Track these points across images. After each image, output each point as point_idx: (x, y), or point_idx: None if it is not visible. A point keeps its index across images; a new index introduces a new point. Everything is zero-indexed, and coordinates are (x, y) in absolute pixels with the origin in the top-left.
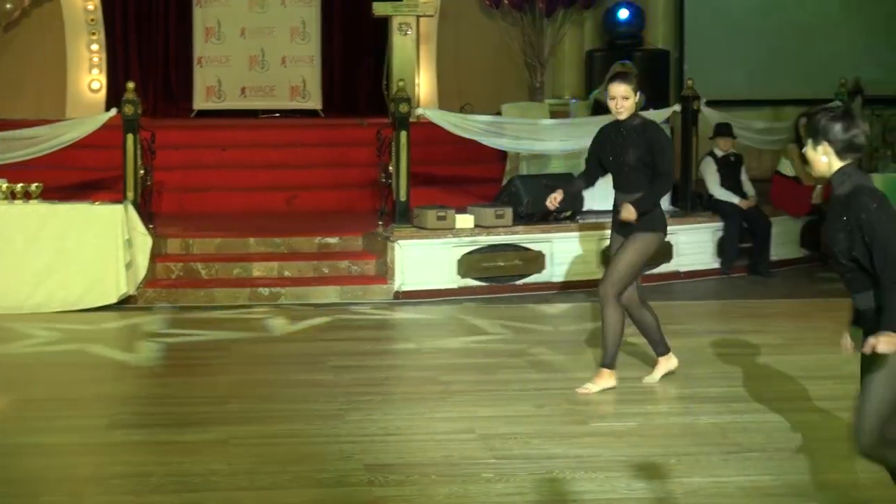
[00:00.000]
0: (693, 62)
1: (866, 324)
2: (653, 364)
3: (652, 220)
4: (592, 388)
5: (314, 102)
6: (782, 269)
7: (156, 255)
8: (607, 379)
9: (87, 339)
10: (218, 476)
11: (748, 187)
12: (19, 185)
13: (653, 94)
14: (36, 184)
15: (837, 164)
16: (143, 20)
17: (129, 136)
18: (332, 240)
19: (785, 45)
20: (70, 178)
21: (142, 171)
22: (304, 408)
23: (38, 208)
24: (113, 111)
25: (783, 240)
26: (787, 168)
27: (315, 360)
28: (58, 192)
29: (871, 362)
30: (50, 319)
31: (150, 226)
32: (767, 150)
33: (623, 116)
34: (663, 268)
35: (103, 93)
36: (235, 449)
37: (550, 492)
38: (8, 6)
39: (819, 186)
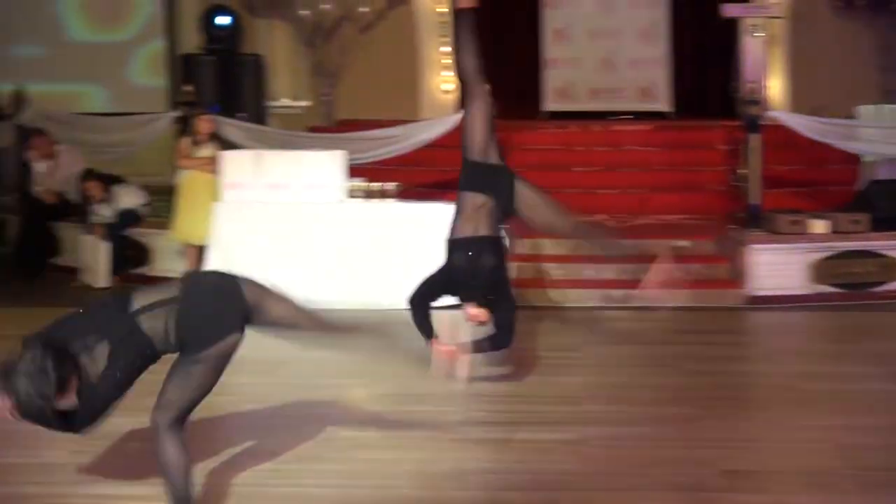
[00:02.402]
0: None
1: None
2: None
3: None
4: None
5: (663, 104)
6: None
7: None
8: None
9: None
10: (573, 476)
11: None
12: (375, 185)
13: None
14: (395, 183)
15: None
16: (494, 23)
17: None
18: (685, 243)
19: None
20: (423, 177)
21: None
22: (656, 411)
23: (393, 207)
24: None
25: None
26: None
27: (667, 363)
28: (413, 191)
29: None
30: None
31: (506, 226)
32: None
33: None
34: None
35: (454, 94)
36: (590, 450)
37: None
38: (363, 10)
39: None
